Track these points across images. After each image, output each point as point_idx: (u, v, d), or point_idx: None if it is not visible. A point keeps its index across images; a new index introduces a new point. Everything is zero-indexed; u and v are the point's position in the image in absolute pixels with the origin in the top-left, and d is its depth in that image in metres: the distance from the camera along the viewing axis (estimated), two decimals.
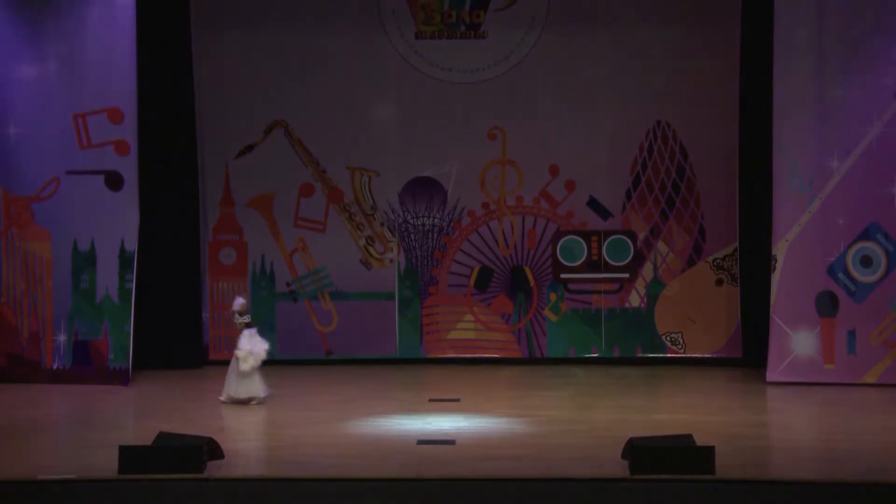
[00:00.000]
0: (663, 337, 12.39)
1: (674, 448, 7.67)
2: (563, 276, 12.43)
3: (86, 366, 11.34)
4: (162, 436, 8.04)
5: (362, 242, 12.49)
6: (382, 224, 12.47)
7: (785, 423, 9.89)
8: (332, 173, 12.45)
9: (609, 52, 12.32)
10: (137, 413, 10.33)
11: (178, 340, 12.20)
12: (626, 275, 12.40)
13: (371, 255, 12.49)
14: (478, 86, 12.39)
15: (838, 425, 9.57)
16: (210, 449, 7.88)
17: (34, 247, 11.40)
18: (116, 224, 11.35)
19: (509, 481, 7.52)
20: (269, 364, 12.29)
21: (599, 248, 12.40)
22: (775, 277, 11.14)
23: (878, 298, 11.00)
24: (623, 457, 7.87)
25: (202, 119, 12.33)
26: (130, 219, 11.34)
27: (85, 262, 11.38)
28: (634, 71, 12.31)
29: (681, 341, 12.38)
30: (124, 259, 11.34)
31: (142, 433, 8.63)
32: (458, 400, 10.42)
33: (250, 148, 12.43)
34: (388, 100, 12.43)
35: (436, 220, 12.47)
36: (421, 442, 8.64)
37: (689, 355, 12.37)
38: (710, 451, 7.55)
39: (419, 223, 12.47)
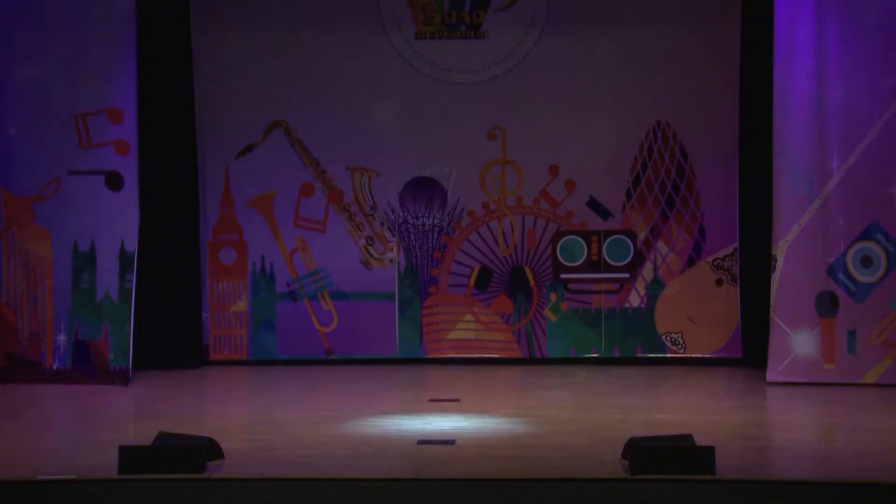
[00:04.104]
0: (663, 337, 12.39)
1: (674, 448, 7.67)
2: (563, 276, 12.43)
3: (86, 366, 11.34)
4: (162, 436, 8.04)
5: (362, 242, 12.49)
6: (382, 224, 12.47)
7: (785, 423, 9.89)
8: (332, 173, 12.45)
9: (609, 52, 12.32)
10: (137, 413, 10.33)
11: (178, 340, 12.20)
12: (626, 275, 12.40)
13: (371, 255, 12.49)
14: (478, 86, 12.39)
15: (838, 425, 9.57)
16: (210, 449, 7.88)
17: (34, 247, 11.41)
18: (116, 224, 11.35)
19: (509, 481, 7.51)
20: (270, 364, 12.35)
21: (599, 248, 12.40)
22: (775, 277, 11.14)
23: (878, 298, 11.00)
24: (623, 457, 7.87)
25: (202, 119, 12.32)
26: (130, 219, 11.34)
27: (85, 262, 11.38)
28: (634, 71, 12.30)
29: (681, 341, 12.38)
30: (124, 259, 11.34)
31: (142, 433, 8.63)
32: (458, 400, 10.42)
33: (250, 148, 12.43)
34: (388, 100, 12.43)
35: (436, 220, 12.47)
36: (421, 442, 8.64)
37: (689, 355, 12.37)
38: (710, 451, 7.55)
39: (419, 223, 12.47)
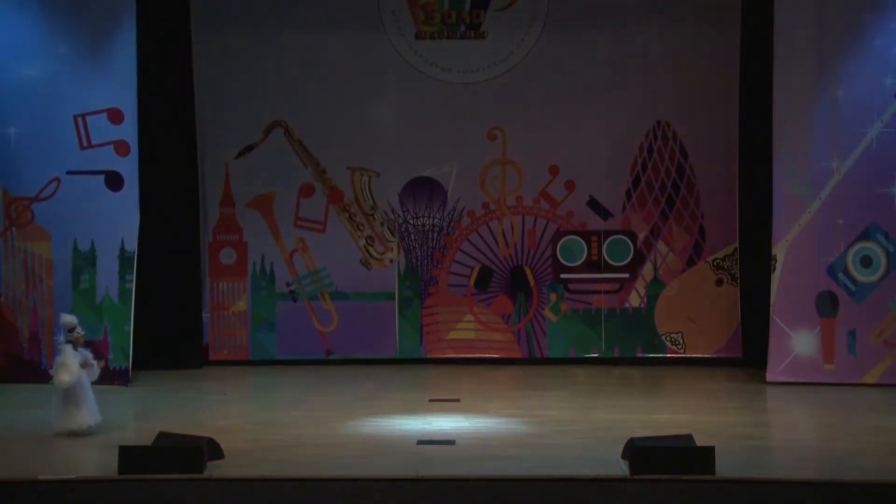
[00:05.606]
0: (663, 337, 12.39)
1: (674, 448, 7.67)
2: (563, 276, 12.43)
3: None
4: (162, 436, 8.05)
5: (362, 242, 12.48)
6: (382, 224, 12.47)
7: (785, 423, 9.90)
8: (332, 173, 12.45)
9: (609, 52, 12.32)
10: (137, 413, 10.33)
11: (178, 340, 12.20)
12: (626, 275, 12.39)
13: (371, 255, 12.49)
14: (478, 86, 12.39)
15: (838, 425, 9.57)
16: (210, 449, 7.88)
17: (34, 247, 11.40)
18: (116, 224, 11.35)
19: (509, 481, 7.51)
20: (270, 364, 12.35)
21: (599, 248, 12.40)
22: (775, 277, 11.14)
23: (878, 298, 11.00)
24: (623, 457, 7.87)
25: (202, 119, 12.32)
26: (130, 219, 11.34)
27: (85, 262, 11.38)
28: (634, 71, 12.31)
29: (681, 341, 12.38)
30: (124, 259, 11.34)
31: (142, 433, 8.63)
32: (458, 400, 10.42)
33: (250, 148, 12.43)
34: (388, 100, 12.43)
35: (436, 220, 12.47)
36: (421, 442, 8.64)
37: (689, 355, 12.36)
38: (710, 451, 7.56)
39: (419, 223, 12.47)
